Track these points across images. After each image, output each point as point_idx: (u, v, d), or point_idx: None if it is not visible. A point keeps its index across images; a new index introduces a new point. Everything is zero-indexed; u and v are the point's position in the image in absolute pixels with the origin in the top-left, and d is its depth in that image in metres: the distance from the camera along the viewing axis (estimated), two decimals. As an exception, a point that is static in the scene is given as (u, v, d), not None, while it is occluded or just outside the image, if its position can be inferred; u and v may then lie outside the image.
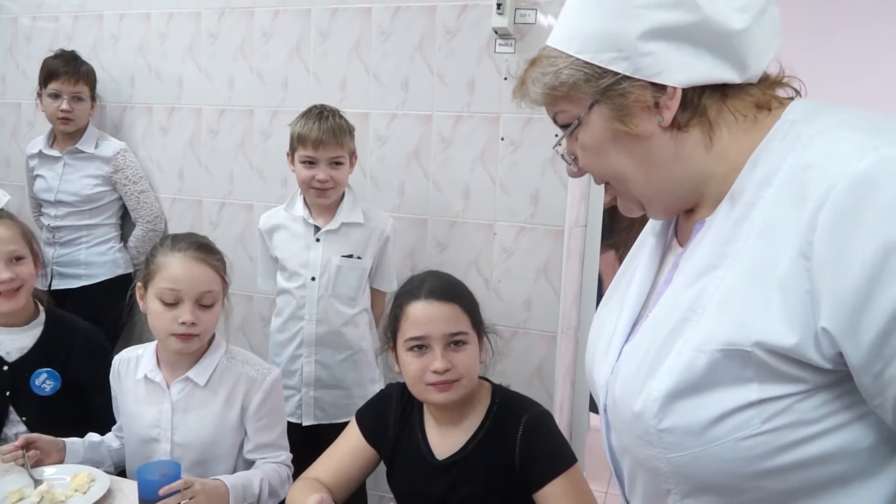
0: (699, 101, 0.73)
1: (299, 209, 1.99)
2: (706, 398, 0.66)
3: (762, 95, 0.74)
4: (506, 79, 2.12)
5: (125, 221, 2.64)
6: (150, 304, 1.49)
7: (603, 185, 0.85)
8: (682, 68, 0.71)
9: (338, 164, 1.91)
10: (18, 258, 1.66)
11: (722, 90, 0.73)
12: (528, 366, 2.19)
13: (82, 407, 1.74)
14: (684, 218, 0.83)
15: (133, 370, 1.58)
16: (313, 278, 1.95)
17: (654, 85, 0.72)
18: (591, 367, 0.89)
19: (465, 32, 2.16)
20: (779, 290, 0.63)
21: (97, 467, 1.53)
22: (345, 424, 1.96)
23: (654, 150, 0.75)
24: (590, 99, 0.75)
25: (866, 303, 0.58)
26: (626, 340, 0.81)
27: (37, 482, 1.36)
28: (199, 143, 2.56)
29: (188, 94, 2.55)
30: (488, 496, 1.30)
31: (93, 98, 2.51)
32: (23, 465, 1.40)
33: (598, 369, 0.85)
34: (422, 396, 1.33)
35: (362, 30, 2.28)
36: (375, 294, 2.10)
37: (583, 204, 2.19)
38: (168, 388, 1.52)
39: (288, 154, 1.98)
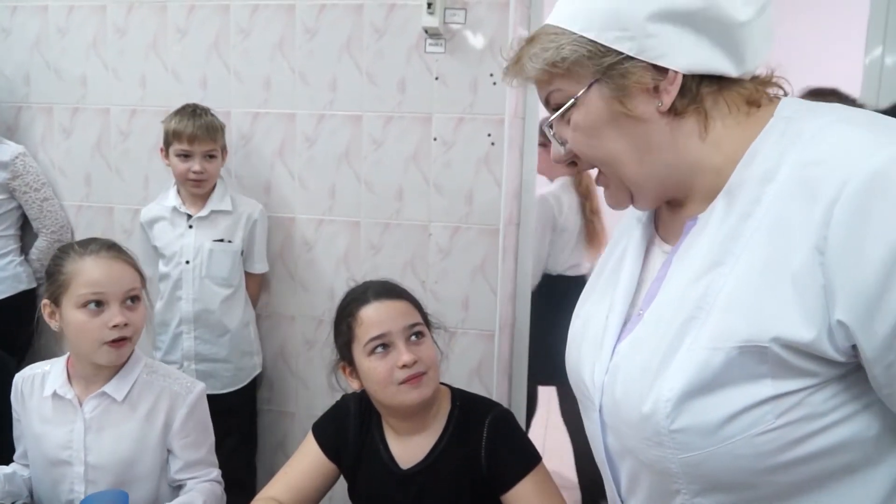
0: (697, 90, 0.73)
1: (172, 200, 2.14)
2: (720, 396, 0.67)
3: (754, 91, 0.75)
4: (437, 78, 2.11)
5: (25, 232, 2.43)
6: (69, 318, 1.35)
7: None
8: (685, 53, 0.72)
9: (211, 157, 2.08)
10: None
11: (719, 81, 0.74)
12: (468, 365, 2.20)
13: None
14: (670, 214, 0.83)
15: (39, 388, 1.44)
16: (187, 262, 2.11)
17: (655, 68, 0.72)
18: (577, 367, 0.87)
19: (394, 32, 2.13)
20: (793, 286, 0.64)
21: (16, 501, 1.40)
22: (229, 395, 2.14)
23: (650, 135, 0.75)
24: (590, 77, 0.74)
25: (882, 296, 0.60)
26: (619, 339, 0.80)
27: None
28: (109, 146, 2.39)
29: (93, 94, 2.38)
30: (457, 501, 1.29)
31: (-19, 99, 2.29)
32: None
33: (587, 369, 0.83)
34: (395, 399, 1.28)
35: (285, 27, 2.20)
36: (249, 277, 2.23)
37: (516, 202, 2.22)
38: (80, 405, 1.40)
39: (161, 149, 2.12)
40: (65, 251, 1.40)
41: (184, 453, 1.44)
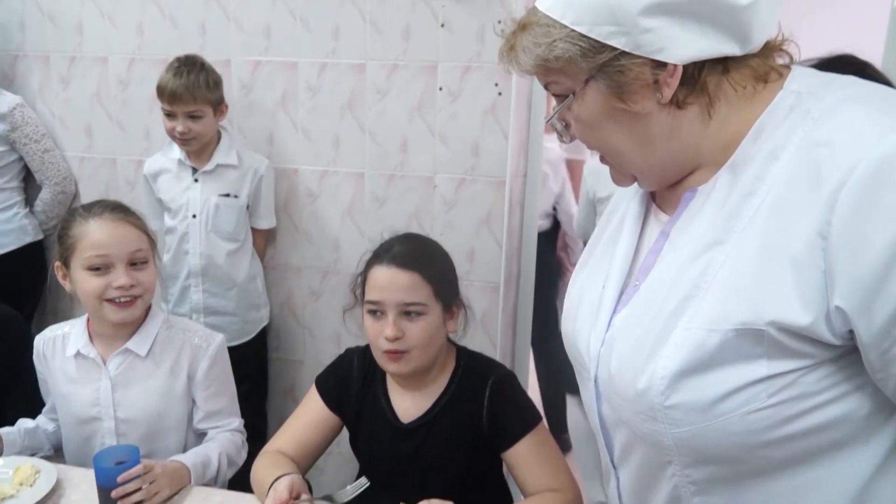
0: (699, 77, 0.71)
1: (176, 152, 2.11)
2: (714, 375, 0.67)
3: (761, 66, 0.72)
4: (443, 26, 2.05)
5: (29, 184, 2.42)
6: (77, 279, 1.38)
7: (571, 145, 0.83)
8: (685, 44, 0.68)
9: (194, 117, 1.99)
10: None
11: (723, 63, 0.71)
12: (473, 317, 2.20)
13: (5, 393, 1.62)
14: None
15: (60, 348, 1.47)
16: (194, 216, 2.10)
17: (654, 62, 0.69)
18: (573, 336, 0.88)
19: (397, -24, 2.06)
20: (792, 269, 0.63)
21: (36, 454, 1.44)
22: (239, 346, 2.13)
23: (651, 127, 0.73)
24: (585, 74, 0.72)
25: (882, 284, 0.60)
26: (615, 310, 0.80)
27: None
28: (108, 96, 2.35)
29: (90, 42, 2.32)
30: (454, 457, 1.32)
31: (-25, 46, 2.25)
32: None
33: (583, 339, 0.84)
34: (378, 362, 1.32)
35: (285, -29, 2.13)
36: (255, 232, 2.23)
37: (522, 154, 2.18)
38: (104, 363, 1.43)
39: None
40: (71, 214, 1.42)
41: (206, 404, 1.48)
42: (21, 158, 2.34)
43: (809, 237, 0.63)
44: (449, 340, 1.41)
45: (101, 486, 1.22)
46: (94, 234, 1.36)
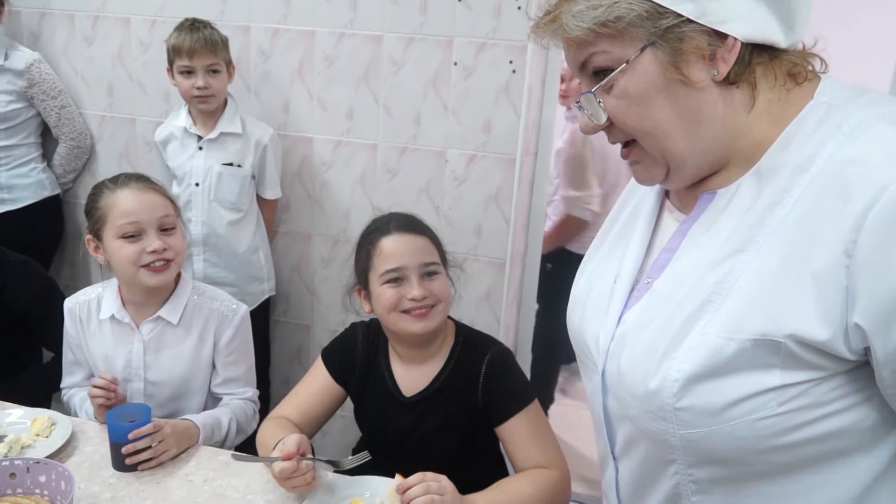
0: (750, 59, 0.70)
1: (182, 120, 2.13)
2: (727, 381, 0.68)
3: (797, 63, 0.72)
4: (460, 0, 2.05)
5: (46, 139, 2.47)
6: (111, 249, 1.43)
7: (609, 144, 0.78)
8: (745, 20, 0.68)
9: (214, 71, 2.03)
10: None
11: (769, 52, 0.71)
12: (477, 292, 2.25)
13: (24, 342, 1.70)
14: None
15: (95, 311, 1.54)
16: (197, 184, 2.11)
17: (714, 33, 0.68)
18: (579, 327, 0.88)
19: (417, -52, 2.05)
20: (814, 284, 0.64)
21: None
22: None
23: (702, 105, 0.71)
24: (643, 40, 0.69)
25: None
26: (626, 306, 0.81)
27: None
28: (130, 57, 2.38)
29: (114, 2, 2.34)
30: (452, 430, 1.37)
31: (0, 2, 2.27)
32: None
33: (591, 332, 0.84)
34: (396, 326, 1.34)
35: (306, -61, 2.13)
36: (262, 202, 2.24)
37: (535, 132, 2.20)
38: (137, 327, 1.50)
39: (168, 69, 2.08)
40: (98, 188, 1.47)
41: (224, 370, 1.55)
42: (38, 115, 2.38)
43: (834, 254, 0.63)
44: (448, 317, 1.45)
45: (114, 441, 1.29)
46: (124, 204, 1.42)
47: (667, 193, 0.85)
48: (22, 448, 1.29)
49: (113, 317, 1.50)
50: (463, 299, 2.17)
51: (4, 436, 1.32)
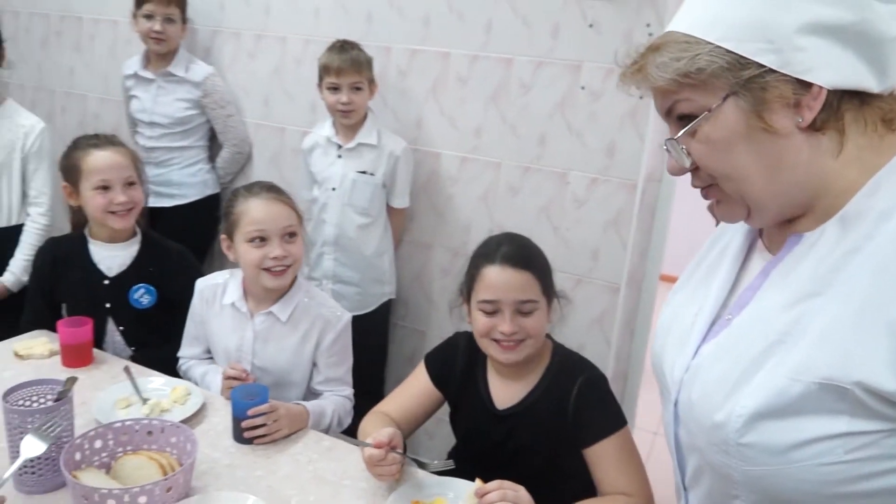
0: (838, 106, 0.70)
1: (327, 130, 2.33)
2: (793, 423, 0.68)
3: (891, 109, 0.72)
4: (591, 26, 2.08)
5: (212, 143, 2.77)
6: (240, 250, 1.61)
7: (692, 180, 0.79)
8: (832, 68, 0.69)
9: (357, 88, 2.21)
10: (131, 183, 1.82)
11: (860, 97, 0.71)
12: (590, 314, 2.25)
13: (171, 320, 1.92)
14: (777, 223, 0.81)
15: (220, 295, 1.72)
16: (333, 188, 2.30)
17: (798, 82, 0.69)
18: (660, 357, 0.90)
19: (553, -25, 2.11)
20: (888, 334, 0.63)
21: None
22: (360, 317, 2.27)
23: (784, 152, 0.72)
24: (726, 89, 0.71)
25: None
26: (703, 339, 0.82)
27: (143, 399, 1.54)
28: (285, 71, 2.62)
29: (275, 22, 2.60)
30: (540, 447, 1.40)
31: (184, 20, 2.59)
32: (131, 382, 1.60)
33: (669, 362, 0.86)
34: (486, 350, 1.42)
35: (448, -34, 2.25)
36: (391, 210, 2.39)
37: (659, 158, 2.17)
38: (252, 317, 1.67)
39: (318, 85, 2.27)
40: (235, 194, 1.65)
41: (326, 370, 1.69)
42: (208, 121, 2.68)
43: None
44: (547, 336, 1.49)
45: (235, 415, 1.44)
46: (255, 212, 1.58)
47: (759, 234, 0.85)
48: (161, 412, 1.49)
49: (233, 304, 1.68)
50: (574, 321, 2.19)
51: (148, 399, 1.53)
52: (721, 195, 0.78)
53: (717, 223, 0.96)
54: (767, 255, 0.81)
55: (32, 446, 1.14)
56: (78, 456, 1.21)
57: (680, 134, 0.76)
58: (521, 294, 1.35)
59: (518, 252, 1.39)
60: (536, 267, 1.39)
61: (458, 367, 1.52)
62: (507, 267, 1.36)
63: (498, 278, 1.36)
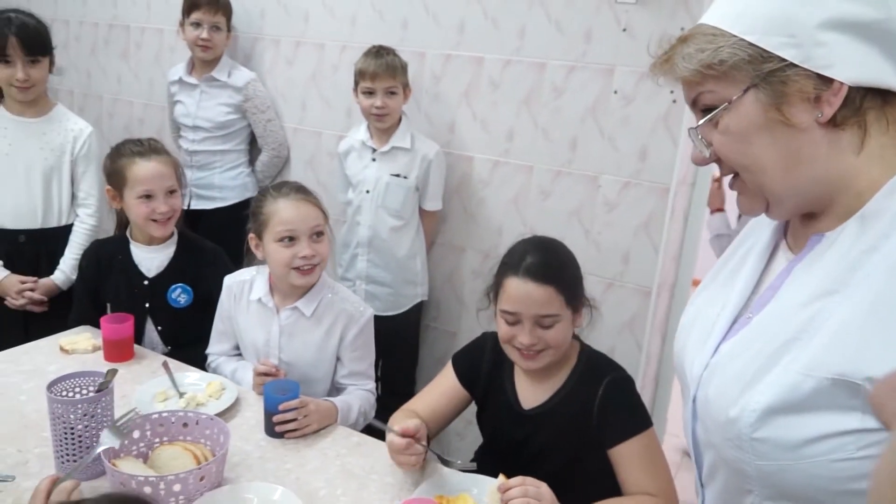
0: (861, 103, 0.71)
1: (362, 134, 2.37)
2: (806, 418, 0.69)
3: None
4: (624, 30, 2.08)
5: (252, 147, 2.84)
6: (269, 250, 1.65)
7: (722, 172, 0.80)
8: (854, 65, 0.69)
9: (392, 93, 2.25)
10: (172, 191, 1.88)
11: (883, 95, 0.71)
12: (621, 318, 2.25)
13: (205, 319, 1.96)
14: (800, 223, 0.82)
15: (247, 291, 1.76)
16: (368, 191, 2.34)
17: (819, 77, 0.70)
18: (681, 355, 0.91)
19: (586, -21, 2.12)
20: None
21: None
22: (393, 318, 2.35)
23: (803, 146, 0.72)
24: (747, 82, 0.72)
25: None
26: (724, 338, 0.83)
27: (180, 393, 1.60)
28: (322, 77, 2.68)
29: (313, 29, 2.66)
30: (564, 447, 1.41)
31: (229, 29, 2.67)
32: (169, 377, 1.66)
33: (689, 360, 0.87)
34: (509, 355, 1.44)
35: (482, -28, 2.28)
36: (423, 213, 2.42)
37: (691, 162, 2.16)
38: (278, 312, 1.71)
39: (353, 89, 2.31)
40: (264, 194, 1.70)
41: (350, 364, 1.72)
42: (248, 126, 2.76)
43: None
44: (574, 336, 1.49)
45: (267, 410, 1.49)
46: (284, 212, 1.62)
47: (784, 234, 0.86)
48: (197, 405, 1.54)
49: (260, 300, 1.72)
50: (605, 324, 2.19)
51: (184, 393, 1.58)
52: (742, 187, 0.80)
53: (739, 217, 0.96)
54: (790, 255, 0.82)
55: (109, 439, 1.22)
56: (117, 445, 1.26)
57: (700, 123, 0.78)
58: (541, 309, 1.34)
59: (542, 264, 1.37)
60: (561, 279, 1.37)
61: (485, 367, 1.54)
62: (528, 280, 1.34)
63: (518, 291, 1.35)
